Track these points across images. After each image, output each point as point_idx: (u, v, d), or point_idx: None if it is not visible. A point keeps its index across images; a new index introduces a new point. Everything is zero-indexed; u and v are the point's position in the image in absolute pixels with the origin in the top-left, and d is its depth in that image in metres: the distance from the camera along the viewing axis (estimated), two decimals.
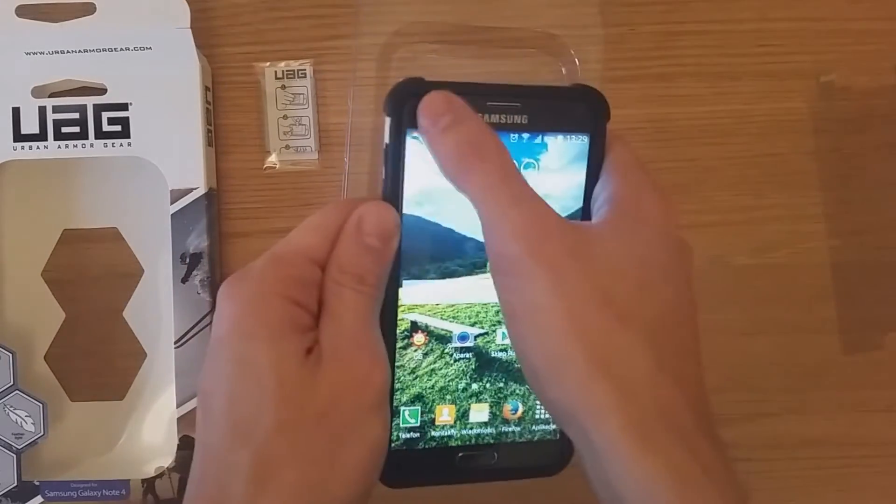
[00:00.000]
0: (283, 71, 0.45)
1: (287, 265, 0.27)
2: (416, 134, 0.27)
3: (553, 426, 0.31)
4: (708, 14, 0.46)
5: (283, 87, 0.45)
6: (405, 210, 0.28)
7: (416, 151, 0.28)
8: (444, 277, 0.29)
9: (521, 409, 0.31)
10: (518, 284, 0.25)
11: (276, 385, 0.25)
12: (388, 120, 0.27)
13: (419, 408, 0.30)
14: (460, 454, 0.30)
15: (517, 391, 0.31)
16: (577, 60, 0.44)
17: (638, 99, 0.46)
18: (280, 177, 0.45)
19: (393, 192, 0.28)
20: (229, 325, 0.26)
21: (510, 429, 0.31)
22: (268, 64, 0.45)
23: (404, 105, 0.27)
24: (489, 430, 0.31)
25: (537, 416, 0.31)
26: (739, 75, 0.46)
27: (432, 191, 0.28)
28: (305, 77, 0.45)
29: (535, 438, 0.31)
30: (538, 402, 0.30)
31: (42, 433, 0.43)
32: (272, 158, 0.45)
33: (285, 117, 0.45)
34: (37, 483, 0.43)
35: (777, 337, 0.46)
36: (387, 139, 0.28)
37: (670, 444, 0.24)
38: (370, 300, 0.27)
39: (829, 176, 0.46)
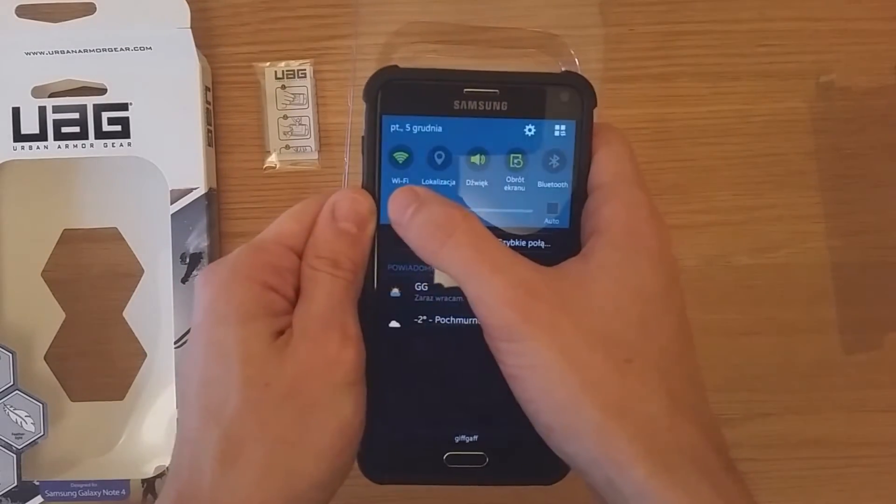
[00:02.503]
0: (283, 71, 0.45)
1: (262, 252, 0.27)
2: (392, 120, 0.28)
3: None
4: (708, 14, 0.46)
5: (283, 87, 0.45)
6: (384, 198, 0.28)
7: (393, 137, 0.28)
8: (426, 267, 0.28)
9: (511, 409, 0.28)
10: (516, 348, 0.25)
11: (241, 364, 0.25)
12: (365, 107, 0.28)
13: (402, 401, 0.29)
14: (447, 454, 0.29)
15: (507, 388, 0.29)
16: (577, 60, 0.44)
17: (638, 99, 0.45)
18: (280, 177, 0.45)
19: (371, 179, 0.28)
20: (203, 310, 0.26)
21: (501, 430, 0.29)
22: (268, 64, 0.45)
23: (379, 91, 0.28)
24: (478, 429, 0.29)
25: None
26: (739, 75, 0.46)
27: (412, 177, 0.28)
28: (305, 77, 0.45)
29: (530, 442, 0.28)
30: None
31: (42, 433, 0.43)
32: (272, 158, 0.45)
33: (285, 117, 0.45)
34: (37, 483, 0.43)
35: (777, 337, 0.46)
36: (364, 127, 0.28)
37: (698, 485, 0.24)
38: (345, 283, 0.27)
39: (829, 176, 0.46)
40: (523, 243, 0.28)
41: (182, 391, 0.27)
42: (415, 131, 0.28)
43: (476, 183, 0.28)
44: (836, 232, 0.46)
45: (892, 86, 0.46)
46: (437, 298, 0.29)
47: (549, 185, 0.28)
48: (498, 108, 0.28)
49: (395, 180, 0.28)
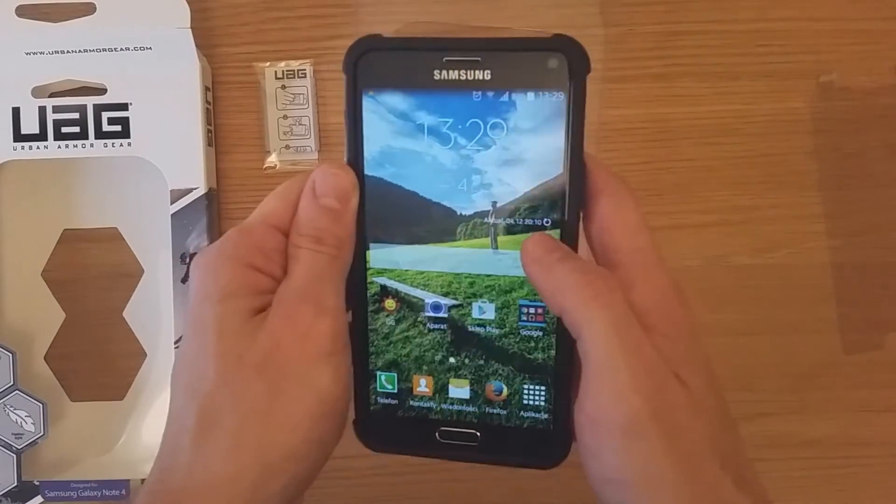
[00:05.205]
0: (283, 71, 0.45)
1: (247, 234, 0.27)
2: (371, 93, 0.27)
3: (546, 415, 0.28)
4: (708, 14, 0.46)
5: (283, 87, 0.45)
6: (367, 171, 0.28)
7: (373, 110, 0.27)
8: (410, 243, 0.28)
9: (505, 392, 0.28)
10: (631, 447, 0.24)
11: (216, 340, 0.26)
12: (344, 79, 0.27)
13: (395, 374, 0.29)
14: (441, 429, 0.29)
15: (500, 371, 0.28)
16: None
17: (638, 99, 0.46)
18: (280, 177, 0.45)
19: (353, 153, 0.28)
20: (193, 292, 0.27)
21: (494, 411, 0.29)
22: (268, 64, 0.45)
23: (359, 61, 0.27)
24: (471, 408, 0.29)
25: (525, 402, 0.28)
26: (739, 75, 0.46)
27: (393, 152, 0.27)
28: (305, 77, 0.45)
29: (525, 425, 0.28)
30: (525, 387, 0.29)
31: (42, 433, 0.43)
32: (272, 158, 0.45)
33: (285, 117, 0.45)
34: (37, 483, 0.43)
35: (777, 337, 0.46)
36: (344, 100, 0.27)
37: None
38: (328, 259, 0.27)
39: (829, 176, 0.46)
40: (511, 221, 0.27)
41: (172, 373, 0.27)
42: (396, 104, 0.27)
43: (460, 157, 0.27)
44: (836, 232, 0.46)
45: (892, 86, 0.46)
46: (421, 274, 0.28)
47: (537, 162, 0.27)
48: (482, 77, 0.26)
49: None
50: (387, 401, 0.29)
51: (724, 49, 0.46)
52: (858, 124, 0.46)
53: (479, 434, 0.29)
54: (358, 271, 0.28)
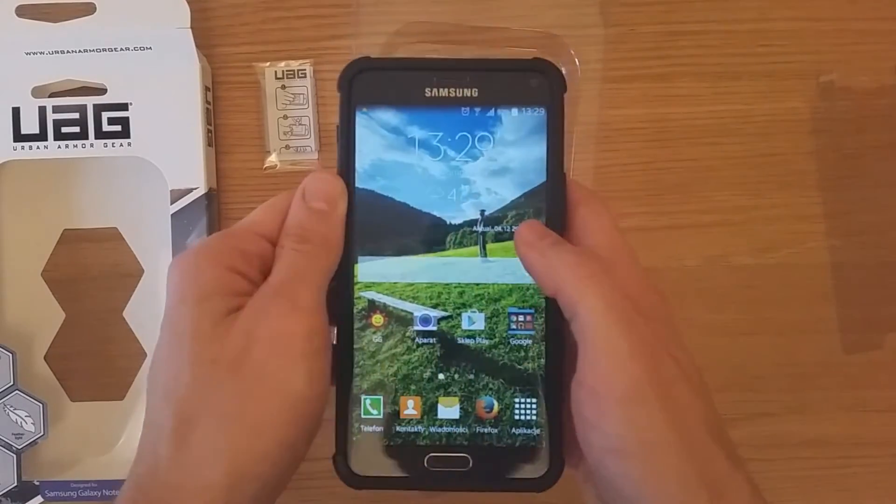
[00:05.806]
0: (283, 71, 0.45)
1: (229, 237, 0.28)
2: (364, 109, 0.29)
3: (538, 431, 0.28)
4: (708, 14, 0.46)
5: (283, 87, 0.45)
6: (358, 184, 0.29)
7: (366, 125, 0.29)
8: (400, 254, 0.29)
9: (496, 407, 0.28)
10: (632, 416, 0.24)
11: (191, 342, 0.25)
12: (339, 97, 0.29)
13: (381, 398, 0.28)
14: (429, 455, 0.28)
15: (491, 385, 0.28)
16: (577, 60, 0.44)
17: (638, 99, 0.45)
18: (280, 177, 0.45)
19: (345, 166, 0.29)
20: (170, 293, 0.27)
21: (485, 430, 0.28)
22: (268, 64, 0.45)
23: (353, 81, 0.29)
24: (461, 429, 0.28)
25: (517, 418, 0.28)
26: (739, 75, 0.46)
27: (384, 165, 0.29)
28: (305, 77, 0.45)
29: (517, 444, 0.28)
30: (516, 401, 0.28)
31: (42, 433, 0.43)
32: (272, 158, 0.45)
33: (285, 117, 0.45)
34: (37, 483, 0.43)
35: (777, 337, 0.46)
36: (338, 116, 0.29)
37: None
38: (310, 258, 0.27)
39: (829, 176, 0.46)
40: (499, 228, 0.28)
41: (149, 377, 0.27)
42: (388, 119, 0.29)
43: (450, 168, 0.29)
44: (836, 232, 0.46)
45: (892, 86, 0.46)
46: (410, 286, 0.29)
47: (522, 172, 0.29)
48: (469, 94, 0.28)
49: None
50: (371, 429, 0.28)
51: (725, 49, 0.46)
52: (858, 124, 0.46)
53: (469, 458, 0.28)
54: (345, 288, 0.28)
